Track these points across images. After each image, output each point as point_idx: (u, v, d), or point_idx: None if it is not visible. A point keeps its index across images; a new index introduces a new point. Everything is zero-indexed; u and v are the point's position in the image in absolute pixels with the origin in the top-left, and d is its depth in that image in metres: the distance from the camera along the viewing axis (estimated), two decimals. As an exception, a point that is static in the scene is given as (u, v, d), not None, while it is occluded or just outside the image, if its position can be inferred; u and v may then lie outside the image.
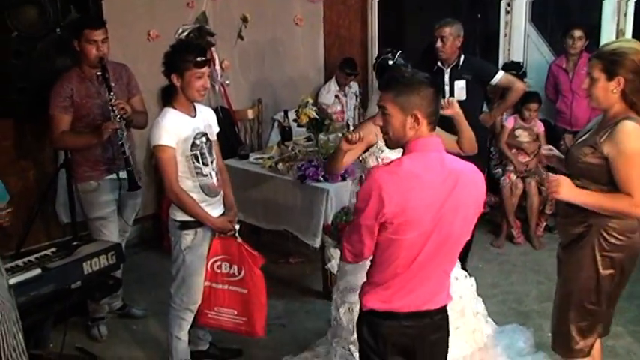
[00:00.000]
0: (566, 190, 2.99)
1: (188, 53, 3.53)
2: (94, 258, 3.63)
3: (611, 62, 2.99)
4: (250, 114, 6.45)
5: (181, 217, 3.68)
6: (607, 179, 3.01)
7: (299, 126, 5.34)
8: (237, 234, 3.81)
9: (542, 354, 4.14)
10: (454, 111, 3.54)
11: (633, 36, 5.83)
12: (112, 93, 4.05)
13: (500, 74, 5.17)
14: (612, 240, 3.08)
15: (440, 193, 2.45)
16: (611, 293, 3.20)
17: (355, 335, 3.55)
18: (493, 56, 6.66)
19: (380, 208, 2.40)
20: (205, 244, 3.76)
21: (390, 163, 2.54)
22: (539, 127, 6.02)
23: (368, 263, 3.52)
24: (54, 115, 4.13)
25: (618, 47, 3.04)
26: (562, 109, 6.16)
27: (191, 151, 3.62)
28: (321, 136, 5.29)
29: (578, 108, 5.99)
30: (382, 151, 3.46)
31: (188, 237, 3.70)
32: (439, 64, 5.10)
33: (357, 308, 3.55)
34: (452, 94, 4.92)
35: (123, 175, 4.24)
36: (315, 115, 5.15)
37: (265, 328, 3.90)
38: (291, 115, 5.54)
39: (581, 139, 3.19)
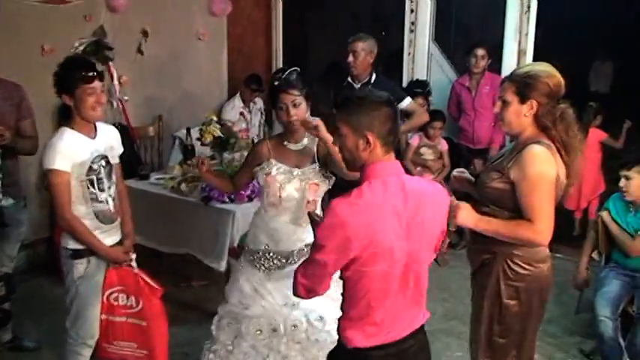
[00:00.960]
0: (465, 215, 2.89)
1: (75, 70, 3.34)
2: (-20, 290, 3.38)
3: (525, 85, 2.91)
4: (151, 131, 6.23)
5: (73, 245, 3.46)
6: (514, 205, 2.91)
7: (202, 144, 5.16)
8: (133, 263, 3.60)
9: None
10: (318, 133, 3.34)
11: (535, 54, 5.99)
12: None
13: (408, 101, 5.15)
14: (517, 269, 2.98)
15: (404, 218, 2.34)
16: (518, 327, 3.06)
17: (216, 346, 3.56)
18: (396, 74, 6.71)
19: (346, 244, 2.28)
20: (100, 274, 3.53)
21: (349, 194, 2.37)
22: (443, 145, 6.09)
23: (241, 282, 3.51)
24: None
25: (531, 70, 2.96)
26: (465, 127, 6.25)
27: (87, 175, 3.41)
28: (226, 155, 5.13)
29: (480, 126, 6.11)
30: (269, 168, 3.41)
31: (81, 266, 3.49)
32: (349, 79, 5.06)
33: (224, 323, 3.55)
34: None
35: (6, 202, 3.99)
36: (220, 134, 5.00)
37: None
38: (194, 133, 5.35)
39: (492, 164, 3.12)
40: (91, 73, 3.34)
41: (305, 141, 3.45)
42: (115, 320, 3.60)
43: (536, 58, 5.97)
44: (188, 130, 5.47)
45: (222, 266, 4.58)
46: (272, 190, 3.41)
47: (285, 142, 3.45)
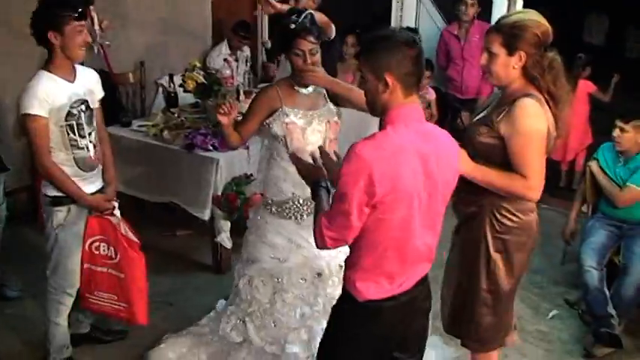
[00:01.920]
0: (463, 161, 2.75)
1: (64, 5, 3.17)
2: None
3: (512, 36, 2.76)
4: (132, 78, 6.06)
5: (53, 192, 3.36)
6: (502, 160, 2.82)
7: (185, 91, 5.05)
8: (116, 212, 3.51)
9: (436, 337, 3.96)
10: (315, 78, 3.25)
11: (525, 3, 5.88)
12: None
13: None
14: (505, 221, 2.91)
15: (426, 165, 2.28)
16: (505, 279, 2.99)
17: (253, 308, 3.49)
18: (385, 23, 6.57)
19: (371, 188, 2.20)
20: (81, 222, 3.45)
21: (374, 136, 2.30)
22: (431, 95, 6.01)
23: (270, 238, 3.41)
24: None
25: (519, 19, 2.81)
26: (453, 76, 6.17)
27: (66, 121, 3.28)
28: (210, 102, 5.01)
29: (469, 75, 6.03)
30: (287, 115, 3.28)
31: (60, 214, 3.39)
32: None
33: (256, 282, 3.48)
34: None
35: None
36: (203, 80, 4.88)
37: (148, 315, 3.63)
38: (177, 80, 5.24)
39: (479, 116, 3.01)
40: (82, 9, 3.21)
41: (310, 89, 3.35)
42: (97, 270, 3.54)
43: (526, 6, 5.87)
44: (171, 76, 5.38)
45: (206, 215, 4.52)
46: (295, 136, 3.28)
47: (296, 87, 3.32)
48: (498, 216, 2.91)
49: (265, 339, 3.50)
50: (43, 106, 3.19)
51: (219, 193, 4.43)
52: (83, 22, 3.23)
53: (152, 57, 6.29)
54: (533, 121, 2.76)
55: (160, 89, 6.02)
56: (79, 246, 3.46)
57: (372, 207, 2.24)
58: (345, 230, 2.30)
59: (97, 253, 3.51)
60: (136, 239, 3.53)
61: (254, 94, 4.97)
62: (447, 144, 2.41)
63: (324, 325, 2.69)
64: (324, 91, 3.38)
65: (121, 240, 3.49)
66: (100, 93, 3.55)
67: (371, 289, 2.38)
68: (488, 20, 6.03)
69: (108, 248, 3.50)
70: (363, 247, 2.35)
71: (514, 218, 2.91)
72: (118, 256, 3.50)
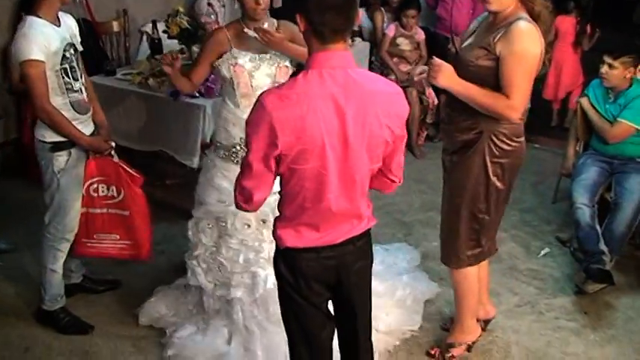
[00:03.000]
0: (446, 77, 2.88)
1: None
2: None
3: None
4: (116, 26, 5.95)
5: (51, 137, 3.36)
6: (496, 82, 2.89)
7: (170, 37, 4.95)
8: (113, 152, 3.54)
9: (420, 273, 4.13)
10: (270, 43, 3.19)
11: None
12: None
13: None
14: (503, 145, 3.01)
15: (346, 114, 2.15)
16: (501, 202, 3.16)
17: (199, 251, 3.52)
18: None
19: (273, 138, 2.13)
20: (80, 165, 3.48)
21: (282, 84, 2.24)
22: (420, 35, 5.93)
23: (217, 181, 3.41)
24: None
25: None
26: (442, 15, 6.08)
27: (61, 65, 3.30)
28: (195, 48, 4.92)
29: (458, 14, 5.93)
30: (235, 58, 3.23)
31: (61, 159, 3.41)
32: None
33: (202, 225, 3.50)
34: None
35: None
36: (187, 25, 4.79)
37: (151, 250, 3.73)
38: (161, 27, 5.13)
39: (469, 41, 3.05)
40: None
41: (266, 26, 3.25)
42: (96, 212, 3.59)
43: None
44: (154, 23, 5.26)
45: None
46: (242, 80, 3.25)
47: (246, 30, 3.23)
48: (497, 141, 3.01)
49: (213, 282, 3.52)
50: (42, 51, 3.19)
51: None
52: None
53: (135, 4, 6.15)
54: (529, 44, 2.83)
55: (144, 37, 5.91)
56: (80, 190, 3.50)
57: (278, 157, 2.18)
58: (248, 185, 2.26)
59: (96, 195, 3.55)
60: (138, 175, 3.60)
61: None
62: (380, 93, 2.24)
63: (270, 271, 2.68)
64: (276, 28, 3.30)
65: (124, 177, 3.55)
66: (79, 37, 3.55)
67: (290, 237, 2.36)
68: (477, -43, 5.93)
69: (108, 188, 3.55)
70: (283, 195, 2.33)
71: (511, 143, 3.03)
72: (122, 193, 3.56)
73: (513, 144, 3.03)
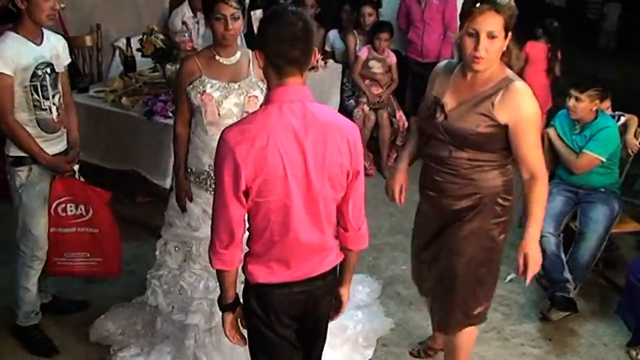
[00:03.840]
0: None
1: None
2: None
3: (511, 17, 2.73)
4: (89, 41, 5.93)
5: (14, 152, 3.42)
6: (500, 146, 2.86)
7: (143, 56, 4.96)
8: (77, 175, 3.59)
9: (377, 307, 4.13)
10: None
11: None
12: None
13: None
14: (504, 203, 2.97)
15: (305, 145, 2.21)
16: (499, 255, 3.13)
17: (162, 272, 3.53)
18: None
19: (237, 172, 2.18)
20: (44, 183, 3.51)
21: (243, 119, 2.31)
22: (392, 59, 6.00)
23: (189, 206, 3.43)
24: None
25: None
26: (413, 39, 6.17)
27: (31, 81, 3.33)
28: (169, 67, 4.93)
29: (429, 39, 6.05)
30: (203, 85, 3.22)
31: (22, 174, 3.45)
32: None
33: (169, 246, 3.52)
34: None
35: None
36: (162, 45, 4.80)
37: (121, 266, 3.80)
38: (135, 44, 5.13)
39: (453, 103, 2.89)
40: None
41: (238, 55, 3.27)
42: (65, 232, 3.62)
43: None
44: (128, 40, 5.26)
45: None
46: (209, 109, 3.22)
47: (217, 57, 3.24)
48: (499, 200, 2.96)
49: (171, 305, 3.51)
50: (8, 65, 3.23)
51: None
52: None
53: (108, 19, 6.13)
54: (533, 105, 2.80)
55: (117, 52, 5.90)
56: (43, 207, 3.53)
57: (245, 192, 2.22)
58: (228, 225, 2.27)
59: (65, 215, 3.59)
60: (105, 192, 3.66)
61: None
62: (337, 125, 2.29)
63: None
64: (250, 59, 3.29)
65: (92, 195, 3.60)
66: (67, 59, 3.63)
67: (261, 273, 2.38)
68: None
69: (76, 207, 3.59)
70: (252, 232, 2.35)
71: (509, 197, 2.99)
72: (90, 211, 3.60)
73: (511, 197, 2.99)
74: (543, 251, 4.10)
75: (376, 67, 5.97)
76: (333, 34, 6.46)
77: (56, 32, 5.28)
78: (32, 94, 3.36)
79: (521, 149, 2.81)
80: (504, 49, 2.78)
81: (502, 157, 2.92)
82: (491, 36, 2.70)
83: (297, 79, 2.25)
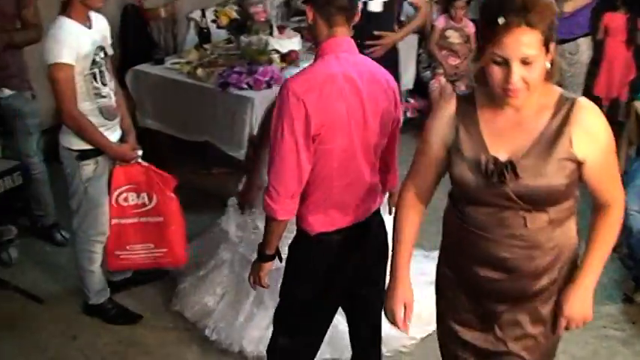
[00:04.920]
0: (579, 307, 2.17)
1: None
2: (-4, 180, 3.32)
3: (550, 29, 1.91)
4: (163, 12, 5.95)
5: (78, 145, 3.27)
6: (573, 192, 2.12)
7: (218, 27, 4.96)
8: (140, 160, 3.46)
9: None
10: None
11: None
12: None
13: None
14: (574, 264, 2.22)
15: (360, 93, 2.33)
16: None
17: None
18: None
19: (307, 121, 2.25)
20: (107, 172, 3.40)
21: (304, 70, 2.38)
22: (470, 28, 5.81)
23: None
24: None
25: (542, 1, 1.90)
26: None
27: (90, 69, 3.20)
28: (243, 38, 4.92)
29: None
30: None
31: (88, 167, 3.32)
32: None
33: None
34: (365, 3, 4.37)
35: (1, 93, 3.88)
36: (237, 16, 4.78)
37: (188, 255, 3.68)
38: (209, 15, 5.13)
39: (527, 159, 2.01)
40: None
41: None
42: (127, 222, 3.50)
43: None
44: (203, 11, 5.26)
45: (242, 155, 4.47)
46: None
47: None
48: (577, 259, 2.22)
49: (241, 238, 3.57)
50: (71, 55, 3.10)
51: (255, 132, 4.37)
52: None
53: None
54: (607, 125, 2.06)
55: (192, 24, 5.91)
56: (106, 194, 3.42)
57: (312, 140, 2.29)
58: (292, 174, 2.31)
59: (126, 204, 3.47)
60: (171, 177, 3.51)
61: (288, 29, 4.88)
62: (380, 73, 2.45)
63: None
64: None
65: (156, 181, 3.45)
66: (110, 39, 3.46)
67: (320, 222, 2.44)
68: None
69: (138, 196, 3.46)
70: (310, 181, 2.37)
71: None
72: (154, 199, 3.46)
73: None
74: (629, 230, 3.98)
75: (454, 36, 5.79)
76: (406, 3, 6.29)
77: (130, 5, 5.41)
78: (92, 82, 3.23)
79: (602, 184, 2.10)
80: (549, 66, 1.95)
81: (575, 198, 2.17)
82: (526, 62, 1.88)
83: (345, 30, 2.37)
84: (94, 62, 3.21)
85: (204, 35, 5.15)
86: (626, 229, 4.04)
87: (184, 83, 4.69)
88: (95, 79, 3.24)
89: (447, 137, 2.10)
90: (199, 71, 4.64)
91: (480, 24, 1.99)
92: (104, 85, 3.29)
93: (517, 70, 1.89)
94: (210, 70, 4.64)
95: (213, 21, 4.96)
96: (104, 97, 3.30)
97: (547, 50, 1.92)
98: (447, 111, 2.10)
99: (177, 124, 4.77)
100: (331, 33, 2.35)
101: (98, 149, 3.30)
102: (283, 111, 2.27)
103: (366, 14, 4.27)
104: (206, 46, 5.05)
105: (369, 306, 2.71)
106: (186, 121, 4.76)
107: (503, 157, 2.02)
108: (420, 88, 5.96)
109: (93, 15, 3.29)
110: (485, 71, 1.95)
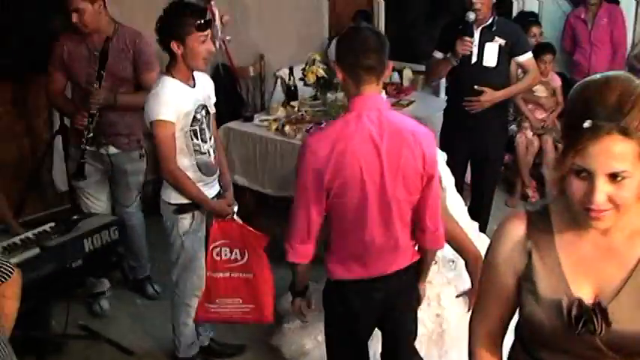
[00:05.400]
0: None
1: (187, 16, 3.13)
2: (95, 234, 3.46)
3: None
4: (252, 71, 6.16)
5: (176, 199, 3.35)
6: None
7: (305, 85, 5.08)
8: (236, 217, 3.53)
9: None
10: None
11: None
12: (95, 84, 3.78)
13: (528, 56, 4.55)
14: None
15: (378, 149, 2.40)
16: None
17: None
18: (506, 5, 6.35)
19: (319, 174, 2.38)
20: (203, 225, 3.47)
21: (324, 127, 2.56)
22: (556, 81, 5.76)
23: None
24: (48, 71, 3.97)
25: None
26: (580, 61, 5.92)
27: (191, 126, 3.27)
28: (329, 95, 5.04)
29: (597, 60, 5.77)
30: None
31: (185, 221, 3.39)
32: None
33: None
34: (481, 57, 4.34)
35: (105, 150, 4.03)
36: (324, 74, 4.89)
37: (274, 313, 3.65)
38: (297, 73, 5.27)
39: (618, 300, 1.57)
40: (205, 20, 3.17)
41: None
42: (219, 276, 3.50)
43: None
44: (291, 69, 5.40)
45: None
46: None
47: None
48: None
49: None
50: (171, 112, 3.18)
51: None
52: (207, 32, 3.19)
53: (271, 49, 6.34)
54: None
55: (279, 82, 6.08)
56: (203, 248, 3.48)
57: (326, 192, 2.41)
58: (303, 224, 2.47)
59: (219, 259, 3.48)
60: (263, 236, 3.51)
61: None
62: (410, 131, 2.46)
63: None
64: None
65: (249, 238, 3.48)
66: (214, 98, 3.53)
67: (339, 270, 2.58)
68: (617, 2, 5.74)
69: (231, 251, 3.47)
70: (331, 231, 2.56)
71: None
72: (246, 255, 3.47)
73: None
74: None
75: (540, 90, 5.74)
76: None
77: (222, 64, 5.62)
78: (192, 139, 3.30)
79: None
80: None
81: None
82: (616, 178, 1.47)
83: (374, 87, 2.46)
84: (194, 119, 3.27)
85: (291, 93, 5.28)
86: None
87: (273, 140, 4.80)
88: (196, 135, 3.30)
89: (518, 264, 1.68)
90: (287, 128, 4.75)
91: (563, 123, 1.62)
92: (204, 142, 3.35)
93: (602, 187, 1.48)
94: (298, 126, 4.75)
95: (301, 79, 5.07)
96: (203, 153, 3.36)
97: None
98: (515, 231, 1.69)
99: (263, 179, 4.86)
100: (359, 91, 2.44)
101: (195, 204, 3.37)
102: (300, 164, 2.46)
103: (480, 68, 4.34)
104: (293, 103, 5.17)
105: (398, 338, 2.84)
106: (273, 177, 4.84)
107: (588, 295, 1.59)
108: (507, 142, 5.91)
109: (198, 74, 3.37)
110: (565, 182, 1.55)
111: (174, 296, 3.60)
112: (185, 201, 3.35)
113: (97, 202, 4.17)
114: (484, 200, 4.69)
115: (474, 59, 4.33)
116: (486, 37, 4.34)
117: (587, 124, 1.45)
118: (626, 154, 1.45)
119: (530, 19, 5.87)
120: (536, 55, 5.62)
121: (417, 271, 2.74)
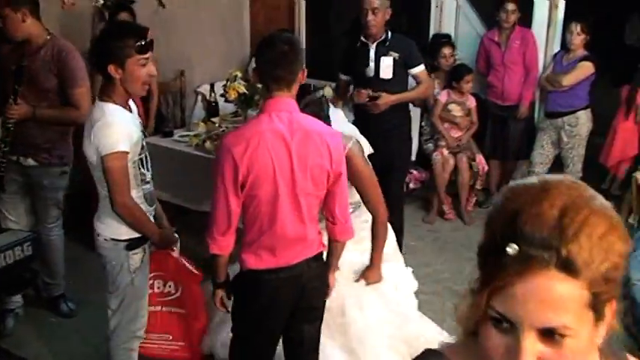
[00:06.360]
0: None
1: (128, 37, 2.86)
2: (8, 250, 3.34)
3: (609, 280, 1.07)
4: (172, 87, 6.13)
5: (129, 234, 3.04)
6: None
7: (226, 101, 5.09)
8: (176, 246, 3.38)
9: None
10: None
11: (567, 7, 5.79)
12: (10, 98, 3.70)
13: (421, 68, 4.84)
14: None
15: (291, 146, 2.60)
16: None
17: None
18: (424, 28, 6.54)
19: (235, 169, 2.56)
20: (148, 260, 3.21)
21: (239, 127, 2.82)
22: (472, 102, 5.95)
23: None
24: None
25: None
26: (494, 82, 6.10)
27: (139, 155, 3.02)
28: (250, 112, 5.05)
29: (510, 82, 5.96)
30: None
31: (137, 257, 3.07)
32: (363, 39, 4.80)
33: None
34: (377, 70, 4.73)
35: (24, 162, 3.93)
36: (245, 90, 4.91)
37: (202, 354, 3.57)
38: (218, 89, 5.27)
39: None
40: (145, 41, 2.89)
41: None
42: (150, 310, 3.29)
43: (568, 11, 5.79)
44: (212, 85, 5.41)
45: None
46: None
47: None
48: None
49: None
50: (127, 142, 2.91)
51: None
52: (148, 55, 2.92)
53: (192, 66, 6.32)
54: None
55: (199, 98, 6.07)
56: (147, 285, 3.24)
57: (241, 187, 2.59)
58: (224, 216, 2.63)
59: (151, 291, 3.30)
60: (198, 272, 3.41)
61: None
62: (318, 132, 2.69)
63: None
64: None
65: (184, 273, 3.36)
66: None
67: (250, 259, 2.73)
68: (529, 25, 5.98)
69: (164, 284, 3.37)
70: (245, 223, 2.72)
71: None
72: (179, 290, 3.36)
73: None
74: (633, 299, 3.99)
75: (455, 110, 5.93)
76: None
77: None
78: (139, 168, 3.03)
79: None
80: (600, 341, 1.09)
81: None
82: (552, 335, 1.01)
83: (284, 92, 2.67)
84: (142, 147, 3.04)
85: (212, 109, 5.28)
86: (629, 299, 4.07)
87: (193, 155, 4.79)
88: (143, 164, 3.06)
89: None
90: (207, 144, 4.74)
91: (480, 243, 1.12)
92: (148, 170, 3.11)
93: (531, 347, 1.01)
94: (218, 142, 4.73)
95: (222, 95, 5.08)
96: (147, 182, 3.11)
97: (598, 316, 1.03)
98: None
99: (184, 194, 4.83)
100: (271, 95, 2.68)
101: (144, 237, 3.11)
102: (217, 161, 2.65)
103: (378, 80, 4.71)
104: (214, 119, 5.17)
105: (306, 342, 2.98)
106: (194, 192, 4.81)
107: None
108: (423, 160, 6.07)
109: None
110: (479, 327, 1.09)
111: (111, 343, 3.24)
112: (135, 235, 3.07)
113: (14, 216, 4.07)
114: (394, 212, 4.76)
115: (371, 73, 4.74)
116: (381, 51, 4.74)
117: (511, 250, 1.00)
118: (569, 300, 0.99)
119: (443, 40, 6.08)
120: (459, 78, 5.81)
121: (327, 261, 2.94)
